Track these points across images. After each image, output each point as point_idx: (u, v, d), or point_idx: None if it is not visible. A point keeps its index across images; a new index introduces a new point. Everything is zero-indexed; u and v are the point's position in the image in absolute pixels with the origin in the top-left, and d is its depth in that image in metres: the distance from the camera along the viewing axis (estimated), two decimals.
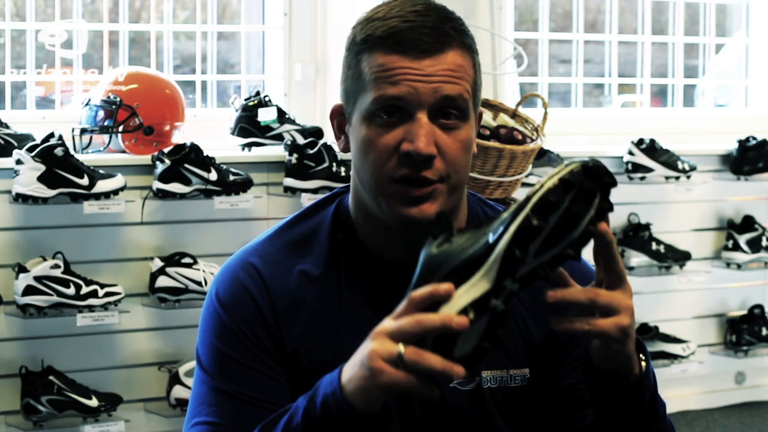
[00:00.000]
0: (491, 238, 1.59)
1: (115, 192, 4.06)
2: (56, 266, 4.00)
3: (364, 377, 1.59)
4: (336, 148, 4.35)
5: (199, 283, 4.18)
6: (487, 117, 4.32)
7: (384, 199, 1.80)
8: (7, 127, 4.17)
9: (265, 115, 4.43)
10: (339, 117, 1.89)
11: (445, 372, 1.55)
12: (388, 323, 1.59)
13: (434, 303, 1.57)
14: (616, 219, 5.15)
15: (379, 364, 1.57)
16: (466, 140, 1.82)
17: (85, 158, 4.11)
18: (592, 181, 1.60)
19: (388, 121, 1.79)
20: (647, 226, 5.13)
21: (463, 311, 1.56)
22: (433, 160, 1.78)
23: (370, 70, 1.80)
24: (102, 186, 4.04)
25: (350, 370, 1.62)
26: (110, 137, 4.28)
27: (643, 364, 1.73)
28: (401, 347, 1.56)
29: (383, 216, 1.83)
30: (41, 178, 3.96)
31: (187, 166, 4.17)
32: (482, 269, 1.58)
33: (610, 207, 1.62)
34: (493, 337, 1.58)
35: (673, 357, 5.08)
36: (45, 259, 4.04)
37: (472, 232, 1.62)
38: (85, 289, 4.02)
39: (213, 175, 4.21)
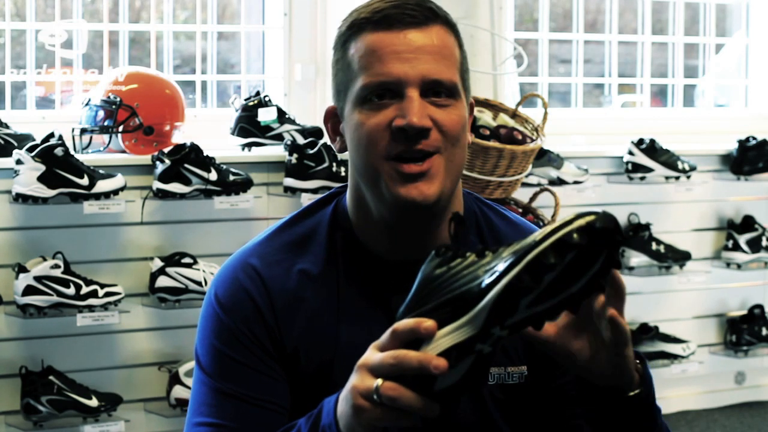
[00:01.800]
0: (485, 281, 1.53)
1: (115, 192, 4.06)
2: (56, 266, 4.00)
3: (350, 414, 1.58)
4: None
5: (199, 283, 4.18)
6: (487, 117, 4.32)
7: (382, 180, 1.79)
8: (7, 127, 4.17)
9: (265, 115, 4.43)
10: (333, 119, 1.89)
11: (421, 410, 1.54)
12: (370, 356, 1.57)
13: (417, 338, 1.54)
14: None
15: (359, 401, 1.56)
16: (460, 117, 1.81)
17: (85, 158, 4.11)
18: (597, 242, 1.50)
19: (379, 103, 1.79)
20: (647, 226, 5.13)
21: (446, 353, 1.52)
22: (429, 132, 1.77)
23: (357, 54, 1.80)
24: (102, 186, 4.04)
25: (342, 405, 1.61)
26: (110, 137, 4.28)
27: (640, 367, 1.71)
28: (379, 382, 1.55)
29: (383, 205, 1.82)
30: (41, 178, 3.96)
31: (187, 166, 4.17)
32: (470, 314, 1.53)
33: (617, 264, 1.52)
34: (476, 377, 1.54)
35: (673, 357, 5.08)
36: (45, 259, 4.04)
37: (474, 258, 1.56)
38: (85, 289, 4.02)
39: (213, 175, 4.21)
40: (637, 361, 1.71)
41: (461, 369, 1.53)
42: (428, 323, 1.53)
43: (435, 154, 1.78)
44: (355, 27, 1.81)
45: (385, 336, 1.57)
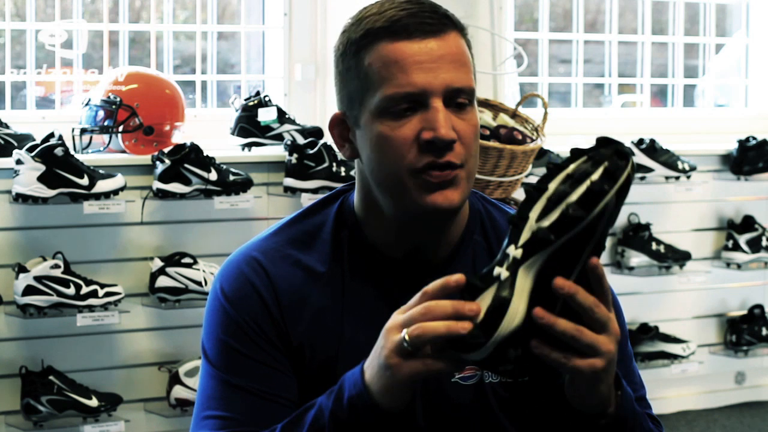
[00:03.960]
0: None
1: (115, 192, 4.06)
2: (56, 266, 4.00)
3: (386, 376, 1.61)
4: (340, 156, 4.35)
5: (199, 283, 4.18)
6: (487, 117, 4.32)
7: (408, 192, 1.79)
8: (7, 127, 4.17)
9: (265, 115, 4.43)
10: (339, 126, 1.87)
11: (451, 331, 1.56)
12: (396, 317, 1.61)
13: (446, 296, 1.59)
14: (617, 219, 5.14)
15: (394, 360, 1.60)
16: (476, 125, 1.83)
17: (85, 158, 4.11)
18: (599, 149, 1.60)
19: (403, 115, 1.78)
20: (647, 226, 5.13)
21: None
22: (455, 144, 1.78)
23: (376, 64, 1.79)
24: (102, 186, 4.03)
25: (371, 371, 1.64)
26: (110, 137, 4.28)
27: (619, 394, 1.71)
28: (405, 330, 1.58)
29: (405, 213, 1.82)
30: (41, 178, 3.96)
31: (187, 166, 4.17)
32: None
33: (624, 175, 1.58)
34: (498, 316, 1.56)
35: (673, 357, 5.08)
36: (45, 259, 4.04)
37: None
38: (85, 289, 4.02)
39: (213, 175, 4.21)
40: (619, 392, 1.72)
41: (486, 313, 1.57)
42: (456, 276, 1.58)
43: (458, 168, 1.79)
44: (370, 36, 1.79)
45: (414, 299, 1.61)
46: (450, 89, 1.78)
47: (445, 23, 1.80)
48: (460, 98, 1.79)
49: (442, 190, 1.78)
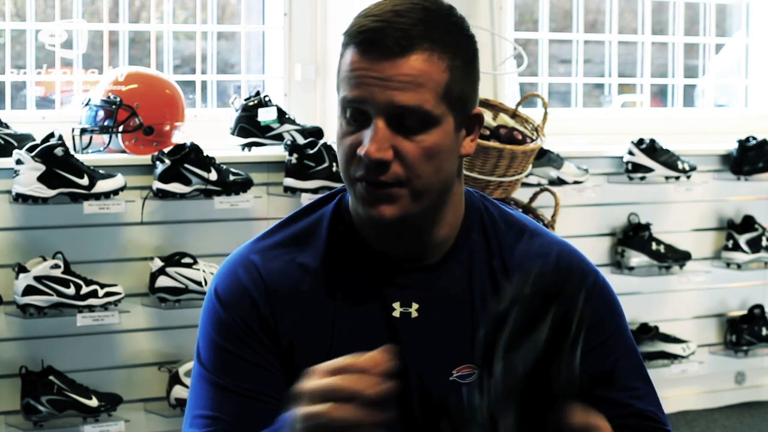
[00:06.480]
0: None
1: (115, 192, 4.06)
2: (56, 266, 4.00)
3: None
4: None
5: (199, 283, 4.17)
6: (487, 117, 4.32)
7: (352, 196, 1.84)
8: (7, 127, 4.17)
9: (265, 115, 4.43)
10: None
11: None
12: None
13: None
14: (617, 219, 5.15)
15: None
16: (431, 147, 1.79)
17: (85, 158, 4.11)
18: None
19: (353, 122, 1.80)
20: (647, 226, 5.13)
21: None
22: (389, 165, 1.77)
23: (342, 65, 1.82)
24: (102, 186, 4.04)
25: None
26: (110, 137, 4.28)
27: None
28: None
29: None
30: (41, 178, 3.96)
31: (187, 166, 4.17)
32: None
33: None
34: None
35: (673, 357, 5.08)
36: (45, 259, 4.04)
37: None
38: (85, 289, 4.02)
39: (213, 175, 4.21)
40: None
41: None
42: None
43: (394, 186, 1.78)
44: (346, 37, 1.82)
45: None
46: (393, 109, 1.76)
47: (407, 46, 1.76)
48: (407, 121, 1.77)
49: (377, 205, 1.79)
